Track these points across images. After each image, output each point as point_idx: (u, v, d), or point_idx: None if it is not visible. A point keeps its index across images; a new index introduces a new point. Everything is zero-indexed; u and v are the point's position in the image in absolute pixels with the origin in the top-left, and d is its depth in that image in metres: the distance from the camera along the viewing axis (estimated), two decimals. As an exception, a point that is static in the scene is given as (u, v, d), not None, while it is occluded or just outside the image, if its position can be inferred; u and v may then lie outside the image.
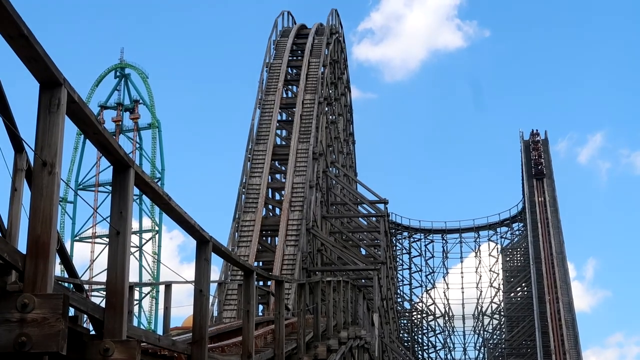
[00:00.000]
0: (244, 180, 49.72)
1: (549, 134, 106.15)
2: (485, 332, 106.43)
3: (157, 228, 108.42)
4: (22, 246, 5.87)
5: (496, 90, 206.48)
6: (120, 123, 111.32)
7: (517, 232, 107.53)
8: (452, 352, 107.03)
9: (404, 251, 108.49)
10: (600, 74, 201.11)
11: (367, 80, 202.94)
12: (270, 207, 52.03)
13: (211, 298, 31.71)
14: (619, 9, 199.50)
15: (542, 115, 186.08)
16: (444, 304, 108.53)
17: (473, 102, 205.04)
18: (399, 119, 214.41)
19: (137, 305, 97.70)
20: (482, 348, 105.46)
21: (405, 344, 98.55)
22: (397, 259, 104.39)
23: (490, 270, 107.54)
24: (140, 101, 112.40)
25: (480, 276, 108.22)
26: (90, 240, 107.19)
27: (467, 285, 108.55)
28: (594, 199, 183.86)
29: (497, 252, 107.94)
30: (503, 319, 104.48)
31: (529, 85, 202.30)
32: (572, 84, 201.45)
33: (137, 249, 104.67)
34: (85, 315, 7.66)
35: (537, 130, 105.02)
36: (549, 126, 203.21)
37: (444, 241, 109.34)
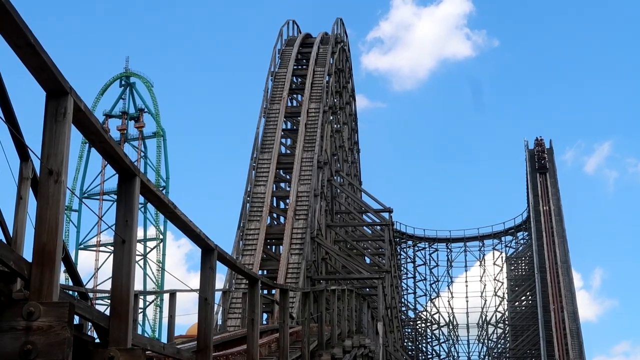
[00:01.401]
0: (248, 189, 49.75)
1: (557, 143, 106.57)
2: (490, 341, 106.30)
3: (161, 236, 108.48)
4: (27, 254, 5.89)
5: (503, 99, 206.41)
6: (125, 132, 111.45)
7: (521, 241, 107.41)
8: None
9: (409, 260, 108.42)
10: (607, 83, 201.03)
11: (376, 89, 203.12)
12: (275, 215, 52.07)
13: (215, 306, 31.72)
14: (628, 20, 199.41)
15: (550, 124, 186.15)
16: (448, 312, 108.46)
17: (480, 111, 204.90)
18: (406, 128, 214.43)
19: (141, 314, 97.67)
20: (487, 357, 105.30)
21: (410, 352, 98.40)
22: (402, 268, 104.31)
23: (494, 279, 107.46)
24: (145, 110, 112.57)
25: (485, 285, 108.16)
26: (94, 248, 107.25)
27: (472, 294, 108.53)
28: (601, 208, 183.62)
29: (502, 261, 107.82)
30: (507, 328, 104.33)
31: (536, 95, 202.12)
32: (579, 94, 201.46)
33: (142, 257, 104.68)
34: (89, 323, 7.67)
35: (541, 137, 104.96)
36: (556, 135, 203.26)
37: (448, 250, 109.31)
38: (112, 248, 7.44)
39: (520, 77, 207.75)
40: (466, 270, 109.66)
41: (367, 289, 53.70)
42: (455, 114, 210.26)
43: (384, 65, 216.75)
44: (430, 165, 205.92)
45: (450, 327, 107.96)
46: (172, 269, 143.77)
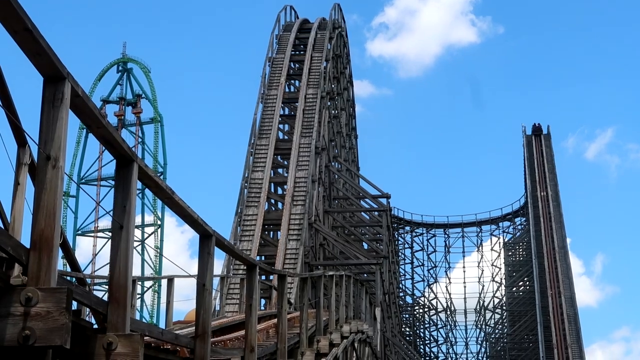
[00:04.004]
0: (246, 175, 49.75)
1: (560, 129, 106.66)
2: (487, 327, 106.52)
3: (159, 222, 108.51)
4: (24, 240, 5.88)
5: (507, 86, 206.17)
6: (122, 117, 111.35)
7: (519, 227, 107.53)
8: (454, 347, 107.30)
9: (406, 245, 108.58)
10: (612, 70, 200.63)
11: (382, 76, 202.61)
12: (272, 201, 52.09)
13: (214, 292, 31.74)
14: (632, 8, 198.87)
15: (552, 111, 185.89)
16: (446, 298, 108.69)
17: (482, 98, 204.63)
18: (408, 115, 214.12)
19: (139, 299, 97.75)
20: (484, 342, 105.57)
21: (408, 338, 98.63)
22: (400, 254, 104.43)
23: (492, 265, 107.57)
24: (143, 95, 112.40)
25: (483, 270, 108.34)
26: (92, 234, 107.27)
27: (469, 279, 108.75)
28: (603, 195, 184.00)
29: (500, 246, 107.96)
30: (505, 314, 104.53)
31: (537, 82, 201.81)
32: (582, 80, 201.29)
33: (140, 242, 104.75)
34: (87, 309, 7.66)
35: (539, 123, 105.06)
36: (559, 122, 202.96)
37: (446, 235, 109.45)
38: (110, 234, 7.44)
39: (524, 64, 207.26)
40: (464, 256, 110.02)
41: (365, 275, 53.82)
42: (458, 101, 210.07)
43: (389, 52, 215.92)
44: (429, 151, 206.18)
45: (448, 312, 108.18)
46: (175, 255, 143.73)
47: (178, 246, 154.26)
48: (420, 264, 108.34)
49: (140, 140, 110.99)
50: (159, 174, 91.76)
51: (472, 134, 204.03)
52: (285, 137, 55.32)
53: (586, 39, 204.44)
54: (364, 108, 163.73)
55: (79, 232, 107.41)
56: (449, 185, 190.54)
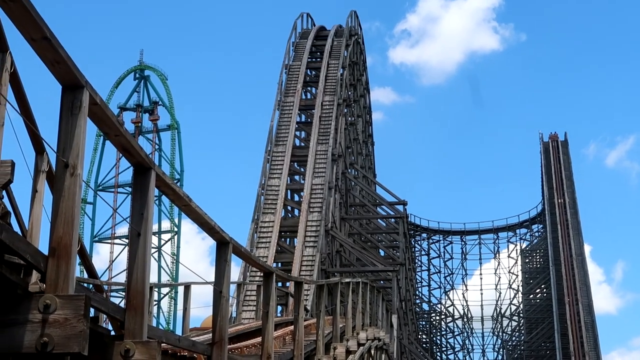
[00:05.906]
0: (263, 182, 49.81)
1: (580, 136, 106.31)
2: (504, 334, 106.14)
3: (176, 229, 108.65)
4: (42, 247, 5.91)
5: (527, 93, 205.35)
6: (139, 124, 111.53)
7: (536, 234, 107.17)
8: (471, 354, 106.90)
9: (423, 252, 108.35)
10: (631, 76, 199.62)
11: (404, 83, 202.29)
12: (289, 208, 52.13)
13: (230, 299, 31.73)
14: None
15: (572, 117, 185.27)
16: (462, 305, 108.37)
17: (498, 104, 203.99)
18: (431, 121, 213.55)
19: (156, 306, 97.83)
20: (501, 350, 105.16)
21: (424, 345, 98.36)
22: (416, 261, 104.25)
23: (509, 272, 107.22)
24: (160, 103, 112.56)
25: (499, 278, 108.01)
26: (109, 241, 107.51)
27: (486, 286, 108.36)
28: (624, 202, 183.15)
29: (517, 253, 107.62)
30: (522, 321, 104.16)
31: (559, 89, 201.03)
32: (601, 87, 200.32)
33: (156, 249, 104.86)
34: (104, 316, 7.69)
35: (555, 132, 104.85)
36: (579, 129, 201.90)
37: (463, 243, 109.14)
38: (127, 241, 7.48)
39: (546, 71, 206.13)
40: (481, 263, 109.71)
41: (382, 282, 53.73)
42: (476, 108, 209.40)
43: (411, 59, 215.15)
44: (447, 157, 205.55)
45: (465, 319, 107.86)
46: (195, 261, 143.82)
47: (198, 253, 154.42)
48: (437, 271, 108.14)
49: (157, 147, 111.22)
50: (175, 181, 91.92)
51: (491, 141, 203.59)
52: (302, 144, 55.37)
53: (607, 47, 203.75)
54: (386, 115, 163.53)
55: (97, 238, 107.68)
56: (466, 191, 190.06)
